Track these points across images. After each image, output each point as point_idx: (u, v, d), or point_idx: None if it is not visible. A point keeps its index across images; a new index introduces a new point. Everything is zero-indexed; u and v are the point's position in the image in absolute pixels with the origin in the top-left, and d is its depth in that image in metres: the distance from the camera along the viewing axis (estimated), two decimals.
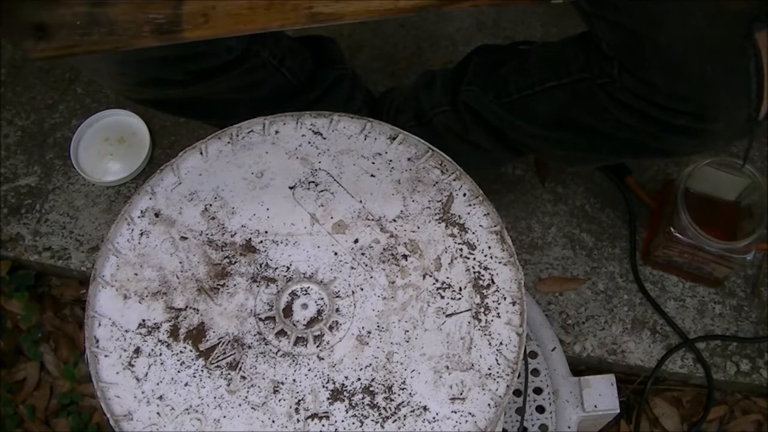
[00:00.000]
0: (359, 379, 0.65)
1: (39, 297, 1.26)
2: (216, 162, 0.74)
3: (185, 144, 0.75)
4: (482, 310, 0.68)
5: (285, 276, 0.69)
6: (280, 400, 0.64)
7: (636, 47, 0.83)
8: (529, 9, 1.34)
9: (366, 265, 0.69)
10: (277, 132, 0.75)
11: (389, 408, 0.64)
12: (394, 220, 0.71)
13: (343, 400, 0.64)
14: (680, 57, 0.81)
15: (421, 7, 0.54)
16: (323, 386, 0.65)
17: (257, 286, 0.68)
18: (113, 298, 0.68)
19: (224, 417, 0.64)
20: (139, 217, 0.71)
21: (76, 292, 1.26)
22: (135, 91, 0.94)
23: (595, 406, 0.98)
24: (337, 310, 0.68)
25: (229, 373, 0.65)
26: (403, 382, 0.65)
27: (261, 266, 0.69)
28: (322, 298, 0.68)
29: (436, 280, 0.69)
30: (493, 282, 0.69)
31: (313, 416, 0.64)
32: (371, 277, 0.69)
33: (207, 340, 0.66)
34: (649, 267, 1.19)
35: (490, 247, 0.70)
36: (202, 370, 0.65)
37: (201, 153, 0.74)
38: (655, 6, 0.77)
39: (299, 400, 0.64)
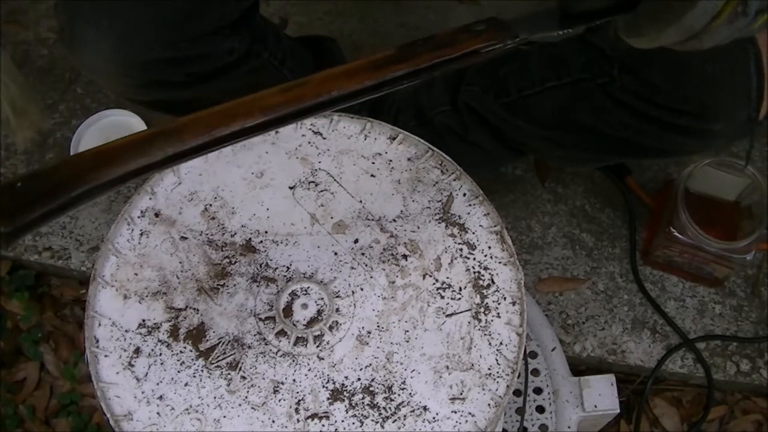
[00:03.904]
0: (359, 379, 0.65)
1: (39, 297, 1.26)
2: (216, 162, 0.74)
3: None
4: (482, 310, 0.68)
5: (285, 276, 0.69)
6: (280, 400, 0.64)
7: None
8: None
9: (366, 265, 0.69)
10: (277, 132, 0.75)
11: (389, 408, 0.64)
12: (394, 220, 0.71)
13: (343, 400, 0.64)
14: (681, 57, 0.81)
15: None
16: (323, 386, 0.65)
17: (257, 286, 0.68)
18: (113, 298, 0.68)
19: (224, 417, 0.64)
20: (139, 217, 0.71)
21: (76, 292, 1.26)
22: (136, 93, 0.93)
23: (595, 406, 0.98)
24: (337, 310, 0.68)
25: (229, 373, 0.65)
26: (403, 382, 0.65)
27: (261, 266, 0.69)
28: (322, 298, 0.68)
29: (436, 280, 0.69)
30: (493, 282, 0.69)
31: (313, 416, 0.64)
32: (371, 277, 0.69)
33: (207, 340, 0.66)
34: (649, 267, 1.19)
35: (490, 247, 0.70)
36: (202, 370, 0.65)
37: None
38: None
39: (299, 400, 0.64)
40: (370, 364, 0.66)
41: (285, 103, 0.54)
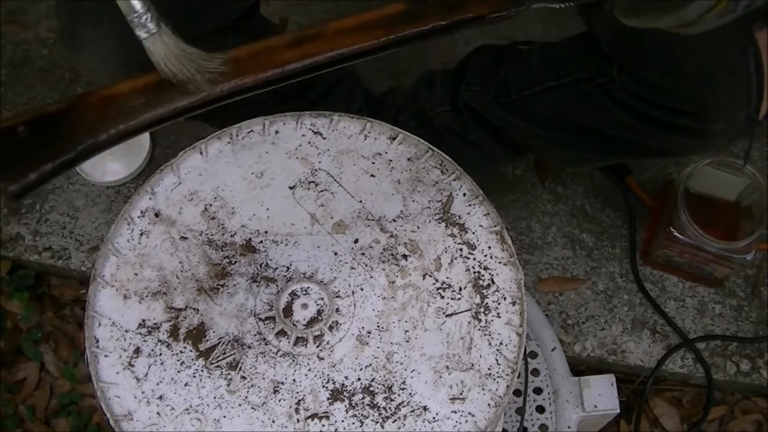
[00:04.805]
0: (359, 379, 0.65)
1: (39, 297, 1.26)
2: (216, 162, 0.74)
3: (185, 144, 0.74)
4: (482, 310, 0.68)
5: (285, 276, 0.69)
6: (280, 400, 0.64)
7: (636, 46, 0.83)
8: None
9: (366, 265, 0.69)
10: (277, 132, 0.75)
11: (389, 408, 0.64)
12: (394, 220, 0.71)
13: (343, 400, 0.64)
14: (680, 56, 0.81)
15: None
16: (323, 386, 0.65)
17: (257, 286, 0.68)
18: (113, 298, 0.68)
19: (224, 417, 0.64)
20: (139, 217, 0.71)
21: (76, 292, 1.26)
22: None
23: (595, 406, 0.98)
24: (337, 310, 0.68)
25: (229, 373, 0.65)
26: (403, 382, 0.65)
27: (261, 266, 0.69)
28: (322, 298, 0.68)
29: (436, 280, 0.69)
30: (493, 282, 0.69)
31: (313, 416, 0.64)
32: (371, 277, 0.69)
33: (207, 340, 0.66)
34: (649, 267, 1.19)
35: (490, 247, 0.70)
36: (202, 370, 0.65)
37: (201, 153, 0.74)
38: None
39: (299, 400, 0.64)
40: (370, 364, 0.66)
41: (297, 58, 0.55)
